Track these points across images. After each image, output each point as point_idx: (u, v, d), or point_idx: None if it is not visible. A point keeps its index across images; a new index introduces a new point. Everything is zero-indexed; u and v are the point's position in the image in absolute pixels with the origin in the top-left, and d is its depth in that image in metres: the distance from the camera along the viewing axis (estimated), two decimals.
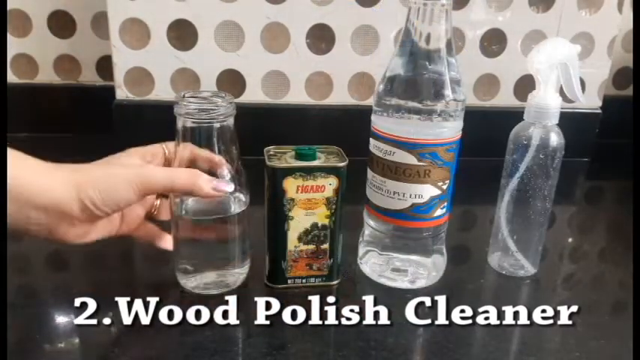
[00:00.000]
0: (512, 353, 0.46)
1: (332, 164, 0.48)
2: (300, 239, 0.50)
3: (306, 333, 0.46)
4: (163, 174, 0.44)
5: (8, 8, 0.85)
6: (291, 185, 0.47)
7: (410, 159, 0.48)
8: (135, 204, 0.46)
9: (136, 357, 0.43)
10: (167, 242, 0.51)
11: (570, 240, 0.69)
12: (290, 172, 0.47)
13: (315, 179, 0.47)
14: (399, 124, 0.48)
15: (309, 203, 0.48)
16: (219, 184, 0.45)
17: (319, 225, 0.49)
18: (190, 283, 0.50)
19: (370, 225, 0.53)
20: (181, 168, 0.46)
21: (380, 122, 0.49)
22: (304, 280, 0.52)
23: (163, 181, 0.44)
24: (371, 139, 0.51)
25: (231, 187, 0.46)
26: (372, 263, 0.54)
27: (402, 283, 0.52)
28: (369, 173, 0.52)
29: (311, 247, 0.50)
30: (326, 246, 0.51)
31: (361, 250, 0.55)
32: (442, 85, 0.47)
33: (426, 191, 0.49)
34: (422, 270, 0.53)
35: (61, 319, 0.47)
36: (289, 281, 0.51)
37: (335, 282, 0.53)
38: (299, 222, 0.49)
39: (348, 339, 0.46)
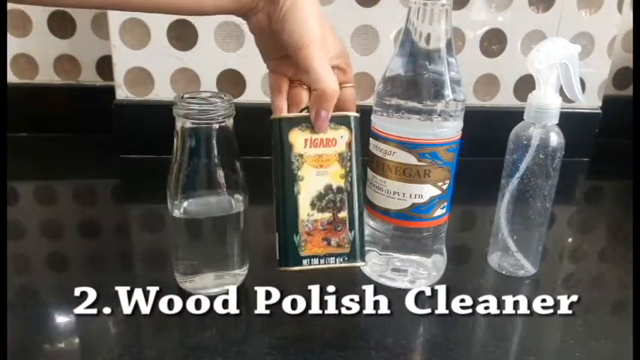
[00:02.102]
0: (512, 353, 0.46)
1: (341, 113, 0.43)
2: (313, 205, 0.43)
3: (305, 333, 0.46)
4: (322, 64, 0.42)
5: (8, 8, 0.85)
6: (298, 138, 0.43)
7: (410, 159, 0.48)
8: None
9: (135, 357, 0.43)
10: (279, 100, 0.47)
11: (570, 240, 0.69)
12: (296, 122, 0.43)
13: (325, 131, 0.43)
14: (399, 124, 0.48)
15: (320, 160, 0.43)
16: (325, 119, 0.43)
17: (334, 187, 0.43)
18: (189, 284, 0.50)
19: (370, 225, 0.53)
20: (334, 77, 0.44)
21: (380, 122, 0.49)
22: (322, 260, 0.44)
23: (316, 66, 0.41)
24: (371, 139, 0.51)
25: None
26: (372, 263, 0.54)
27: (402, 283, 0.52)
28: (369, 173, 0.52)
29: (327, 215, 0.43)
30: (344, 214, 0.44)
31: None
32: (442, 85, 0.47)
33: (426, 191, 0.49)
34: (422, 270, 0.53)
35: (61, 319, 0.47)
36: (304, 262, 0.43)
37: (360, 263, 0.45)
38: (310, 183, 0.43)
39: (348, 339, 0.46)
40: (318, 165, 0.43)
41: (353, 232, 0.44)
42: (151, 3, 0.42)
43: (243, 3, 0.43)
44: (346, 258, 0.44)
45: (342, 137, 0.43)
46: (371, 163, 0.51)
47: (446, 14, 0.46)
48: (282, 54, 0.44)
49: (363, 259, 0.45)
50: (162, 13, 0.44)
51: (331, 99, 0.41)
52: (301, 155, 0.43)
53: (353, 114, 0.44)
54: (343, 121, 0.43)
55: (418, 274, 0.53)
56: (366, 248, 0.54)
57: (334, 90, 0.41)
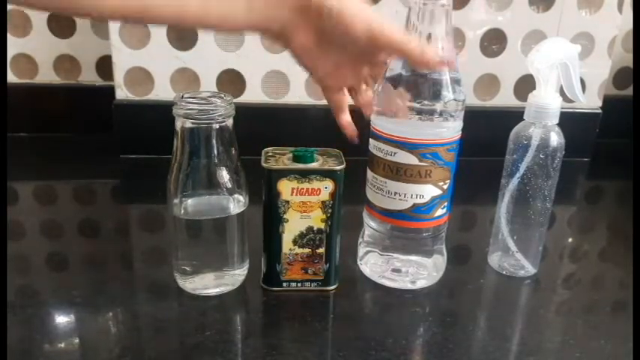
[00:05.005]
0: (512, 353, 0.46)
1: (327, 167, 0.47)
2: (295, 242, 0.49)
3: (305, 333, 0.46)
4: (400, 32, 0.44)
5: (8, 8, 0.85)
6: (285, 187, 0.47)
7: (411, 159, 0.48)
8: (357, 58, 0.46)
9: (135, 357, 0.43)
10: (347, 116, 0.49)
11: (570, 240, 0.69)
12: (284, 174, 0.47)
13: (311, 182, 0.47)
14: (399, 125, 0.48)
15: (304, 206, 0.48)
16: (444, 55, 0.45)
17: (315, 229, 0.49)
18: (189, 284, 0.50)
19: (370, 226, 0.53)
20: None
21: (380, 122, 0.49)
22: (299, 284, 0.51)
23: (398, 37, 0.43)
24: (371, 139, 0.51)
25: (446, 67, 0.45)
26: (372, 264, 0.54)
27: (402, 283, 0.52)
28: (369, 174, 0.52)
29: (306, 250, 0.50)
30: (322, 250, 0.50)
31: (361, 250, 0.55)
32: (442, 85, 0.47)
33: (427, 191, 0.49)
34: (422, 270, 0.53)
35: (61, 319, 0.47)
36: (284, 284, 0.51)
37: (332, 287, 0.52)
38: (294, 225, 0.49)
39: (348, 339, 0.46)
40: (302, 210, 0.48)
41: (328, 264, 0.51)
42: (173, 16, 0.40)
43: (273, 18, 0.42)
44: (320, 283, 0.51)
45: (326, 188, 0.48)
46: (371, 164, 0.51)
47: (446, 14, 0.46)
48: (337, 60, 0.45)
49: (334, 284, 0.52)
50: (186, 26, 0.43)
51: (426, 52, 0.43)
52: (287, 202, 0.48)
53: (339, 168, 0.48)
54: (329, 175, 0.47)
55: (418, 275, 0.53)
56: (367, 249, 0.54)
57: (422, 48, 0.43)
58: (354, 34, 0.42)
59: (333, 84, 0.48)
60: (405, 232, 0.51)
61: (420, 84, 0.47)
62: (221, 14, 0.41)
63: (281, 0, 0.41)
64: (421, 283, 0.52)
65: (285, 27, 0.43)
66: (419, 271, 0.53)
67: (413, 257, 0.53)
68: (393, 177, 0.49)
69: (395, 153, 0.48)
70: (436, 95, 0.47)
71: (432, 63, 0.43)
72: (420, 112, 0.47)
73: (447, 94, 0.47)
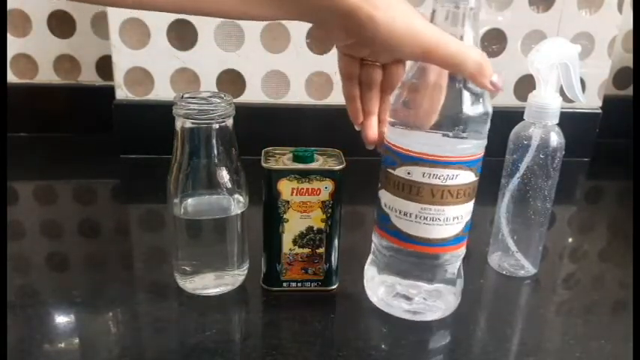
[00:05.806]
0: (512, 353, 0.46)
1: (327, 167, 0.47)
2: (295, 242, 0.49)
3: (305, 333, 0.46)
4: (457, 46, 0.39)
5: (8, 8, 0.85)
6: (285, 187, 0.47)
7: (471, 177, 0.45)
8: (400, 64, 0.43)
9: (135, 357, 0.43)
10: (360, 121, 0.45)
11: (570, 240, 0.69)
12: (285, 173, 0.47)
13: (311, 182, 0.47)
14: (459, 144, 0.44)
15: (304, 206, 0.48)
16: (499, 80, 0.41)
17: (315, 229, 0.49)
18: (189, 284, 0.50)
19: (409, 260, 0.47)
20: (473, 47, 0.41)
21: (434, 147, 0.43)
22: (299, 284, 0.51)
23: (454, 53, 0.39)
24: (415, 167, 0.44)
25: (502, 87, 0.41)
26: (388, 296, 0.49)
27: (423, 315, 0.48)
28: (415, 207, 0.45)
29: (306, 250, 0.50)
30: (322, 250, 0.50)
31: (379, 284, 0.50)
32: (482, 94, 0.45)
33: (472, 205, 0.46)
34: (441, 299, 0.49)
35: (61, 319, 0.47)
36: (284, 284, 0.51)
37: (332, 287, 0.52)
38: (294, 225, 0.49)
39: (348, 339, 0.46)
40: (302, 210, 0.48)
41: (328, 264, 0.51)
42: (212, 12, 0.38)
43: (307, 17, 0.39)
44: (320, 283, 0.51)
45: (326, 188, 0.48)
46: (418, 195, 0.44)
47: (474, 17, 0.42)
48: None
49: (334, 284, 0.52)
50: (206, 15, 0.39)
51: (485, 68, 0.40)
52: (287, 202, 0.48)
53: (339, 168, 0.47)
54: (329, 174, 0.47)
55: (436, 303, 0.49)
56: (385, 280, 0.49)
57: (480, 62, 0.40)
58: (402, 52, 0.40)
59: (345, 52, 0.44)
60: (457, 256, 0.48)
61: (463, 96, 0.44)
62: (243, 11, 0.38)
63: (318, 6, 0.37)
64: (439, 313, 0.49)
65: (319, 27, 0.41)
66: (437, 300, 0.49)
67: (440, 285, 0.49)
68: (453, 202, 0.44)
69: (457, 175, 0.44)
70: (485, 103, 0.45)
71: (487, 84, 0.40)
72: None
73: (485, 100, 0.45)
